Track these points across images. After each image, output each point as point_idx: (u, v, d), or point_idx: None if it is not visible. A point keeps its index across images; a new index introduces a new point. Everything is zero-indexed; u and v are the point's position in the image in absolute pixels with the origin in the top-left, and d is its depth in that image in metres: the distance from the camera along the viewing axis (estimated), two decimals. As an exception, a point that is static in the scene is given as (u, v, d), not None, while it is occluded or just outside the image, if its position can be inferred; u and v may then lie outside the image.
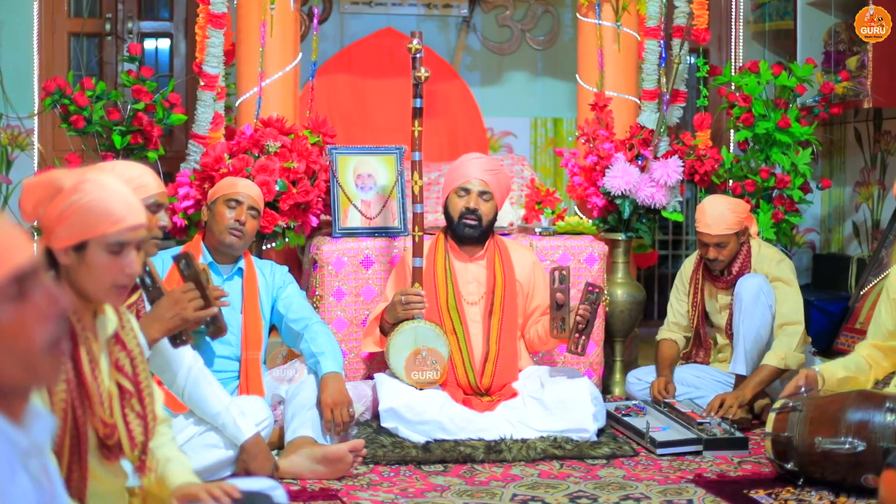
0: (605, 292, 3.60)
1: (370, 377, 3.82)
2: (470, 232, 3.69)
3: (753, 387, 3.71)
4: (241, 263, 3.48)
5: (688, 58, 4.97)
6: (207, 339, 3.26)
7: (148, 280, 2.73)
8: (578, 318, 3.50)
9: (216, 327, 2.89)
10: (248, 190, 3.49)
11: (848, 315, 5.22)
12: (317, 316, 3.56)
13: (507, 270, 3.72)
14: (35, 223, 1.90)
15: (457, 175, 3.74)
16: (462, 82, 5.57)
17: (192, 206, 4.03)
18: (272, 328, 3.61)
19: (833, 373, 3.25)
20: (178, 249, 3.50)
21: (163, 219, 2.69)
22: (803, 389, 3.21)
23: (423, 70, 3.61)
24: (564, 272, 3.53)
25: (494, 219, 3.76)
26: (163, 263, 3.39)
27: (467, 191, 3.70)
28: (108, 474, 1.92)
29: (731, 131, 5.09)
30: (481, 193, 3.70)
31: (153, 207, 2.63)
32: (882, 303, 3.36)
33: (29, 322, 1.34)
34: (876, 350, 3.34)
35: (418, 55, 3.61)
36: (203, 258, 3.40)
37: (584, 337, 3.53)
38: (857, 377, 3.27)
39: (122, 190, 1.89)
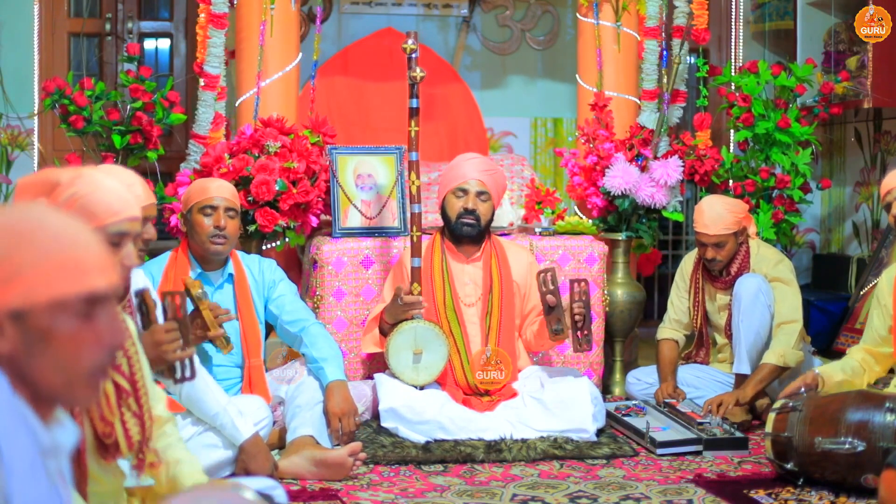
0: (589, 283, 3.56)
1: (370, 377, 3.82)
2: (468, 231, 3.69)
3: (754, 385, 3.71)
4: (230, 268, 3.41)
5: (688, 58, 4.97)
6: (206, 346, 3.24)
7: (143, 307, 2.63)
8: (576, 316, 3.49)
9: (191, 371, 2.73)
10: (220, 192, 3.36)
11: (848, 315, 5.22)
12: (312, 316, 3.53)
13: (503, 271, 3.72)
14: None
15: (453, 175, 3.74)
16: (462, 82, 5.57)
17: (192, 207, 4.02)
18: (270, 327, 3.59)
19: (831, 375, 3.30)
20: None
21: (148, 231, 2.65)
22: (803, 390, 3.22)
23: (418, 70, 3.61)
24: (550, 274, 3.51)
25: (492, 218, 3.76)
26: (153, 277, 3.30)
27: (465, 191, 3.70)
28: (106, 474, 1.92)
29: (731, 131, 5.09)
30: (479, 193, 3.70)
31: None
32: (874, 308, 3.40)
33: (84, 343, 1.36)
34: (868, 355, 3.38)
35: (414, 55, 3.61)
36: (192, 269, 3.34)
37: (585, 332, 3.52)
38: (853, 380, 3.33)
39: (115, 184, 1.91)
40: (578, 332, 3.51)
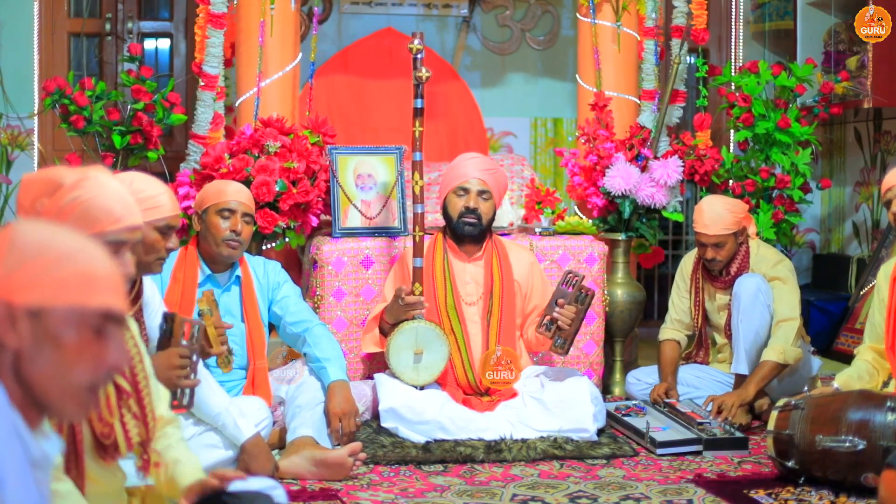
0: (593, 293, 3.60)
1: (370, 377, 3.82)
2: (470, 230, 3.70)
3: (756, 384, 3.71)
4: (238, 271, 3.41)
5: (688, 58, 4.97)
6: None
7: (168, 331, 2.63)
8: (558, 315, 3.50)
9: (190, 400, 2.67)
10: (238, 196, 3.36)
11: (848, 315, 5.22)
12: (316, 317, 3.54)
13: (504, 270, 3.72)
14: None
15: (455, 175, 3.74)
16: (462, 82, 5.57)
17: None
18: (271, 327, 3.59)
19: (851, 386, 3.25)
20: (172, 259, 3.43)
21: (171, 241, 2.64)
22: (806, 388, 3.22)
23: (423, 70, 3.61)
24: (589, 294, 3.53)
25: (493, 218, 3.76)
26: (160, 277, 3.28)
27: (466, 190, 3.70)
28: (106, 475, 1.92)
29: (731, 131, 5.09)
30: (480, 192, 3.70)
31: (164, 230, 2.57)
32: (874, 304, 3.38)
33: (88, 357, 1.38)
34: (876, 353, 3.35)
35: (419, 55, 3.61)
36: (199, 269, 3.34)
37: (567, 338, 3.53)
38: (869, 385, 3.28)
39: (121, 190, 1.89)
40: (562, 333, 3.52)
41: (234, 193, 3.37)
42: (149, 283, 2.72)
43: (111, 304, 1.39)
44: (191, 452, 2.17)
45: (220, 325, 3.09)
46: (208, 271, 3.37)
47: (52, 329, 1.35)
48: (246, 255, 3.49)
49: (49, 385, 1.37)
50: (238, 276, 3.42)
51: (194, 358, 2.56)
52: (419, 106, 3.64)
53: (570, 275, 3.54)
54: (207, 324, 3.06)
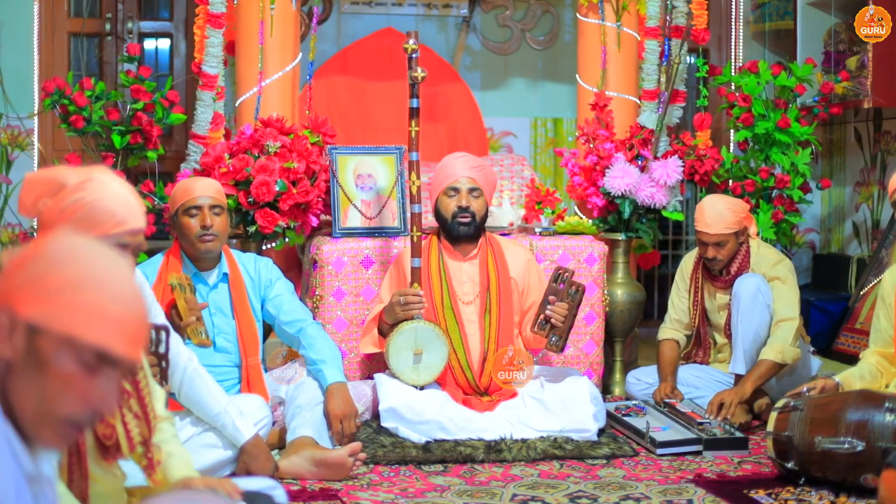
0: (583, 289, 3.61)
1: (370, 377, 3.82)
2: (465, 230, 3.70)
3: (753, 381, 3.71)
4: (225, 266, 3.39)
5: (688, 58, 4.97)
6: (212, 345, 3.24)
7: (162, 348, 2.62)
8: (550, 312, 3.50)
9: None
10: (204, 191, 3.32)
11: (848, 315, 5.22)
12: (309, 315, 3.52)
13: (500, 268, 3.72)
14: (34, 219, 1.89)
15: (444, 176, 3.74)
16: (462, 82, 5.57)
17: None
18: (269, 328, 3.58)
19: (851, 384, 3.24)
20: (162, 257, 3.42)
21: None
22: (805, 389, 3.22)
23: (419, 70, 3.61)
24: (580, 289, 3.52)
25: (486, 215, 3.76)
26: (147, 278, 3.23)
27: (457, 190, 3.70)
28: (107, 475, 1.92)
29: (731, 131, 5.09)
30: (471, 190, 3.70)
31: None
32: (879, 309, 3.37)
33: (72, 390, 1.32)
34: (882, 357, 3.35)
35: (414, 55, 3.61)
36: (185, 269, 3.33)
37: (561, 335, 3.53)
38: (871, 386, 3.27)
39: (125, 192, 1.89)
40: (556, 330, 3.52)
41: (200, 189, 3.33)
42: (140, 277, 2.73)
43: (113, 347, 1.32)
44: (183, 448, 2.18)
45: (193, 304, 3.09)
46: (194, 270, 3.36)
47: (44, 351, 1.30)
48: (235, 252, 3.49)
49: (26, 406, 1.32)
50: (225, 273, 3.41)
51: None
52: (415, 106, 3.64)
53: (561, 270, 3.54)
54: (177, 296, 3.06)
